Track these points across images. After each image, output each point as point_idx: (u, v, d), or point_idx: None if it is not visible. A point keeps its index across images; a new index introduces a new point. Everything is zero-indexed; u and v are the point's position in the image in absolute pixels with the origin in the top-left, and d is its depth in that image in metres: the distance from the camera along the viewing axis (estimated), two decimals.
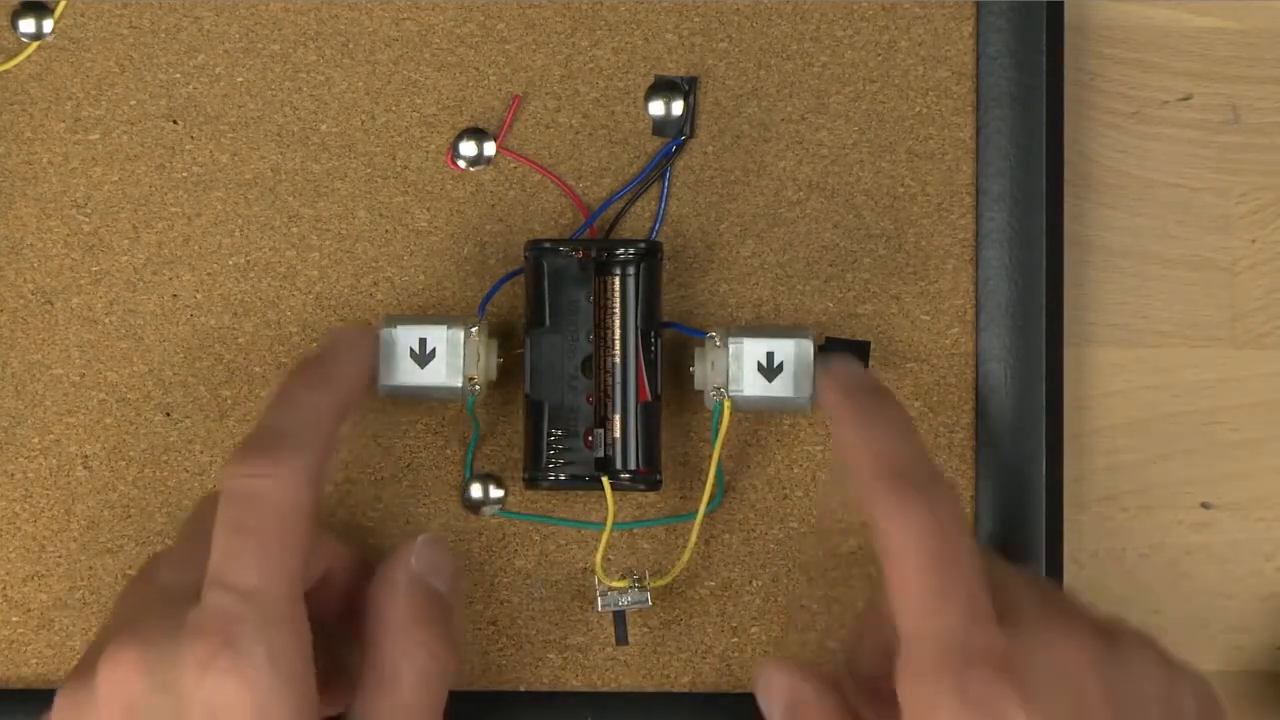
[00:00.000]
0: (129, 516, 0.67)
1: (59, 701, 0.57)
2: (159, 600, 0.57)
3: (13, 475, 0.67)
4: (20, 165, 0.68)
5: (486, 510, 0.67)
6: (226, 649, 0.54)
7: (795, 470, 0.68)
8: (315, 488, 0.58)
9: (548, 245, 0.66)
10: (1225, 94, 0.70)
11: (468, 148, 0.68)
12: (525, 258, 0.66)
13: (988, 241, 0.68)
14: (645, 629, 0.67)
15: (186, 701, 0.54)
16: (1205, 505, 0.70)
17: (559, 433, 0.65)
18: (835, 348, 0.66)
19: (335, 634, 0.60)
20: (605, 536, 0.65)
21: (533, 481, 0.66)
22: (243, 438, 0.59)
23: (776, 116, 0.68)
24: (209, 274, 0.68)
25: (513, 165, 0.68)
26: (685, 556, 0.66)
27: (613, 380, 0.65)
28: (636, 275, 0.65)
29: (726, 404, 0.65)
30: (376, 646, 0.59)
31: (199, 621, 0.55)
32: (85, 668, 0.56)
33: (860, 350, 0.66)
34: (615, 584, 0.66)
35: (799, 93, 0.68)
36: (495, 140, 0.68)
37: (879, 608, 0.58)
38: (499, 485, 0.67)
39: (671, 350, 0.67)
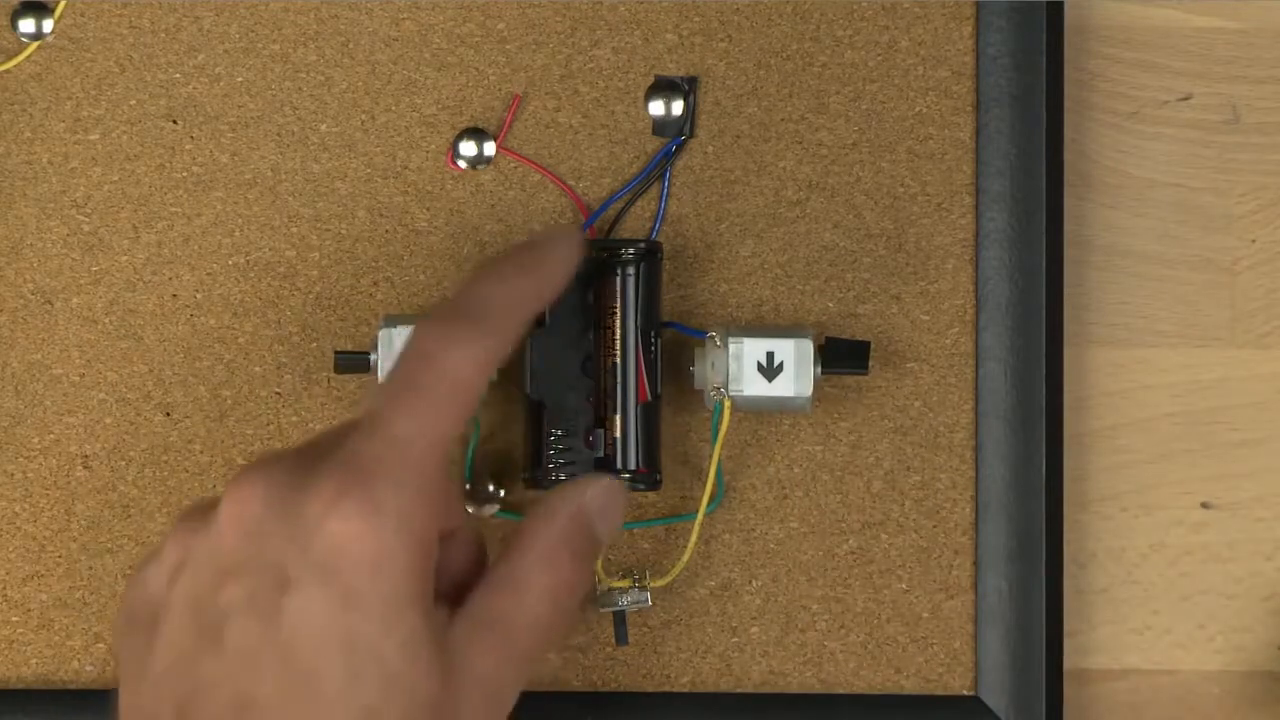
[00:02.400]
0: (129, 516, 0.67)
1: (176, 526, 0.55)
2: (307, 443, 0.55)
3: (13, 475, 0.67)
4: (20, 165, 0.68)
5: (486, 510, 0.67)
6: (361, 488, 0.52)
7: (795, 470, 0.68)
8: (490, 372, 0.55)
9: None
10: (1225, 94, 0.70)
11: (468, 148, 0.68)
12: None
13: (988, 241, 0.68)
14: (645, 629, 0.67)
15: (307, 533, 0.52)
16: (1205, 505, 0.70)
17: (559, 433, 0.65)
18: (835, 348, 0.66)
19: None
20: None
21: (533, 481, 0.66)
22: (437, 304, 0.57)
23: (776, 116, 0.68)
24: (209, 274, 0.68)
25: (513, 165, 0.68)
26: (685, 556, 0.66)
27: (613, 380, 0.65)
28: (636, 275, 0.65)
29: (726, 404, 0.65)
30: (515, 551, 0.56)
31: (340, 457, 0.53)
32: (211, 502, 0.55)
33: (860, 350, 0.66)
34: (615, 584, 0.66)
35: (799, 93, 0.68)
36: (495, 140, 0.68)
37: None
38: (499, 485, 0.67)
39: (671, 350, 0.67)
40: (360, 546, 0.52)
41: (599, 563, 0.66)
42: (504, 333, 0.56)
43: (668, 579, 0.67)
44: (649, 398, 0.65)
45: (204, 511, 0.55)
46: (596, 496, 0.58)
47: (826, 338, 0.66)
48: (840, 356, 0.66)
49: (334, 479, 0.53)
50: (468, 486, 0.67)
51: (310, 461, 0.54)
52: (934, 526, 0.68)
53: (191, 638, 0.53)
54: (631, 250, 0.65)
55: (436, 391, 0.54)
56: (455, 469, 0.65)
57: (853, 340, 0.66)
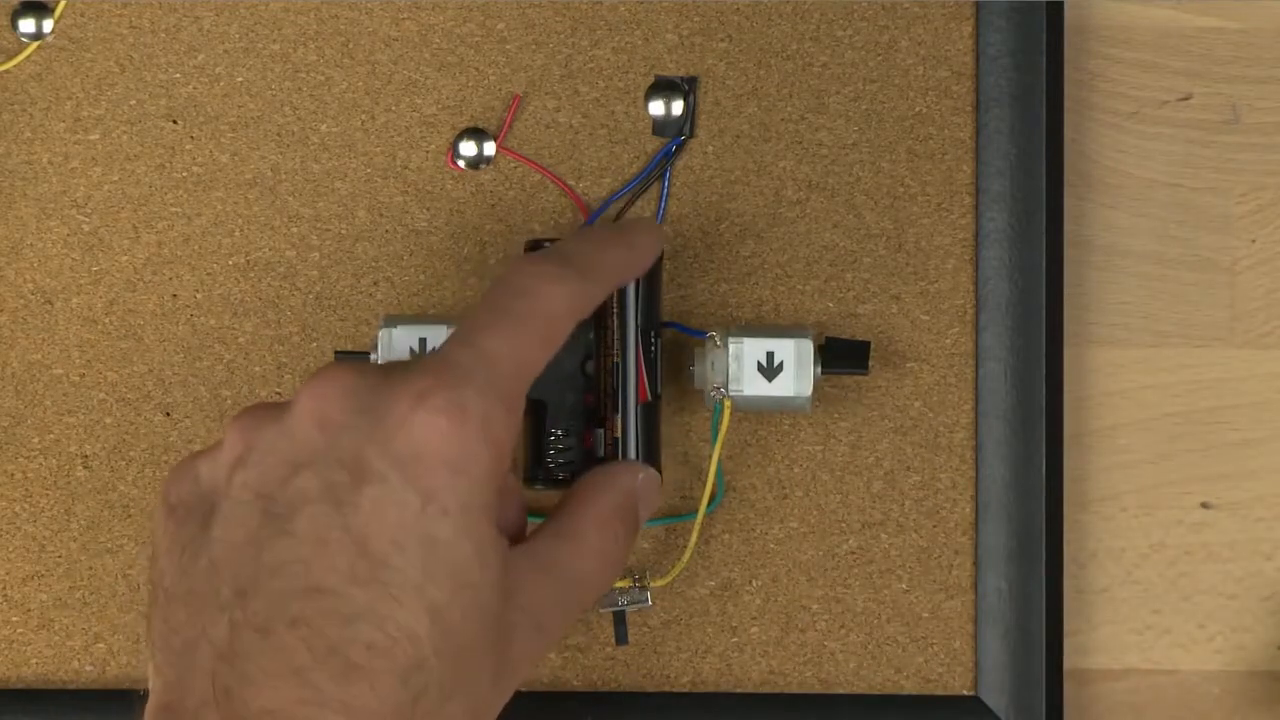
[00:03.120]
0: (129, 516, 0.67)
1: (236, 423, 0.55)
2: (377, 365, 0.56)
3: (13, 475, 0.67)
4: (20, 165, 0.68)
5: None
6: (450, 389, 0.53)
7: (795, 470, 0.68)
8: (580, 315, 0.57)
9: (548, 245, 0.66)
10: (1225, 94, 0.70)
11: (468, 148, 0.68)
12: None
13: (988, 241, 0.68)
14: (645, 629, 0.67)
15: (391, 428, 0.52)
16: (1205, 505, 0.70)
17: (559, 432, 0.65)
18: (835, 348, 0.66)
19: None
20: None
21: (533, 481, 0.66)
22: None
23: (776, 116, 0.68)
24: (209, 274, 0.68)
25: (513, 165, 0.68)
26: (685, 556, 0.66)
27: (613, 380, 0.65)
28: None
29: (726, 404, 0.65)
30: (575, 507, 0.59)
31: (429, 363, 0.54)
32: (279, 403, 0.55)
33: (860, 350, 0.66)
34: (616, 584, 0.66)
35: (799, 93, 0.68)
36: (495, 140, 0.68)
37: None
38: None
39: (671, 350, 0.67)
40: (445, 445, 0.52)
41: None
42: (598, 283, 0.58)
43: (668, 579, 0.67)
44: (649, 398, 0.65)
45: (272, 408, 0.55)
46: (645, 482, 0.61)
47: (826, 338, 0.66)
48: (840, 356, 0.66)
49: (423, 378, 0.53)
50: None
51: (395, 369, 0.54)
52: (934, 526, 0.68)
53: (257, 523, 0.53)
54: None
55: (529, 320, 0.56)
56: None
57: (853, 340, 0.66)
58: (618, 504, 0.60)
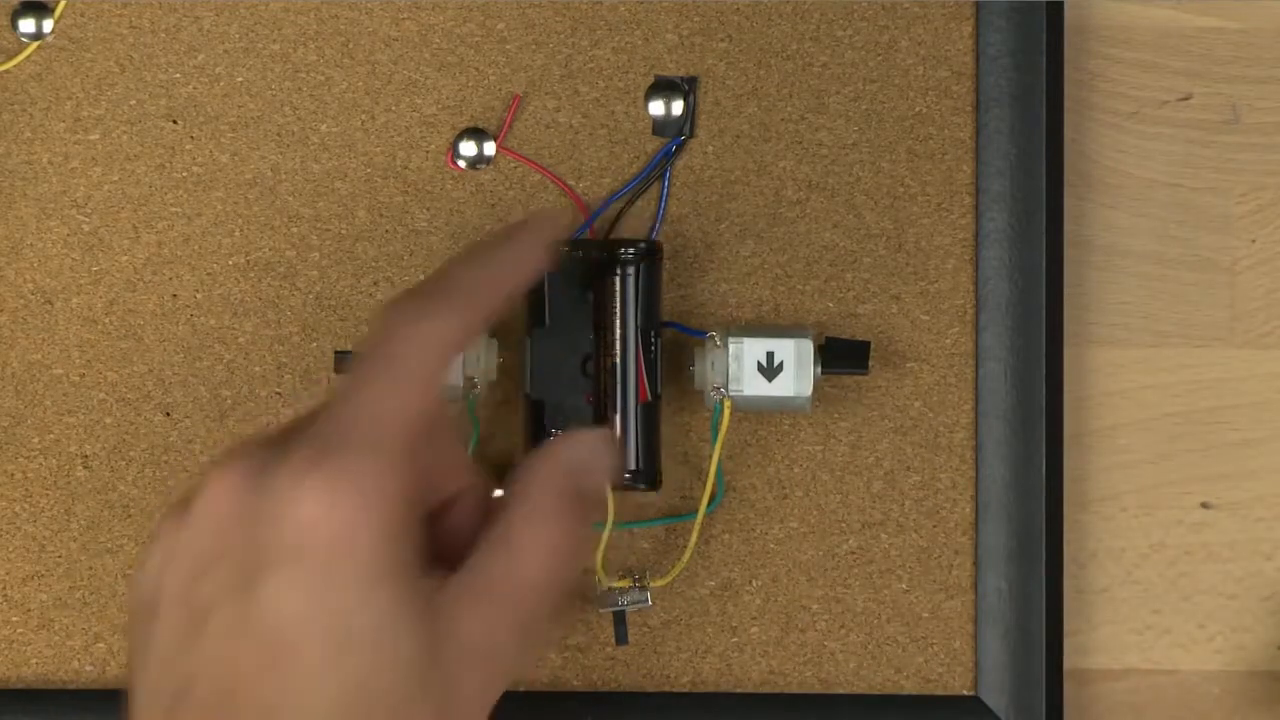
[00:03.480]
0: (129, 516, 0.67)
1: (162, 519, 0.55)
2: (271, 432, 0.56)
3: (13, 475, 0.67)
4: (20, 165, 0.68)
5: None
6: (327, 461, 0.52)
7: (795, 470, 0.68)
8: (455, 347, 0.55)
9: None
10: (1225, 94, 0.70)
11: (468, 148, 0.68)
12: None
13: (988, 241, 0.68)
14: (645, 629, 0.67)
15: (279, 515, 0.52)
16: (1205, 505, 0.70)
17: (559, 432, 0.65)
18: (835, 348, 0.66)
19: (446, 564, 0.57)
20: (605, 536, 0.65)
21: None
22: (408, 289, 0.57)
23: (776, 116, 0.68)
24: (209, 274, 0.68)
25: (513, 165, 0.68)
26: (685, 556, 0.66)
27: (613, 380, 0.65)
28: (636, 275, 0.65)
29: (726, 404, 0.65)
30: (508, 521, 0.55)
31: (308, 435, 0.53)
32: (193, 490, 0.55)
33: (860, 350, 0.66)
34: (616, 584, 0.66)
35: (799, 93, 0.68)
36: (495, 140, 0.68)
37: None
38: (499, 485, 0.67)
39: (671, 350, 0.67)
40: (329, 523, 0.52)
41: (600, 557, 0.66)
42: (470, 309, 0.56)
43: (668, 579, 0.67)
44: (649, 398, 0.65)
45: (185, 503, 0.55)
46: (581, 448, 0.57)
47: (826, 338, 0.66)
48: (840, 356, 0.66)
49: (301, 457, 0.53)
50: None
51: (282, 442, 0.54)
52: (934, 526, 0.68)
53: (181, 628, 0.53)
54: (631, 250, 0.65)
55: (401, 363, 0.54)
56: (457, 433, 0.64)
57: (852, 340, 0.66)
58: (558, 489, 0.56)
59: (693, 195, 0.68)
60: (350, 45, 0.68)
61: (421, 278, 0.68)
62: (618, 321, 0.65)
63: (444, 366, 0.55)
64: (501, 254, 0.58)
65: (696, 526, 0.66)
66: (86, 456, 0.67)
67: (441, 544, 0.57)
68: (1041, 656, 0.67)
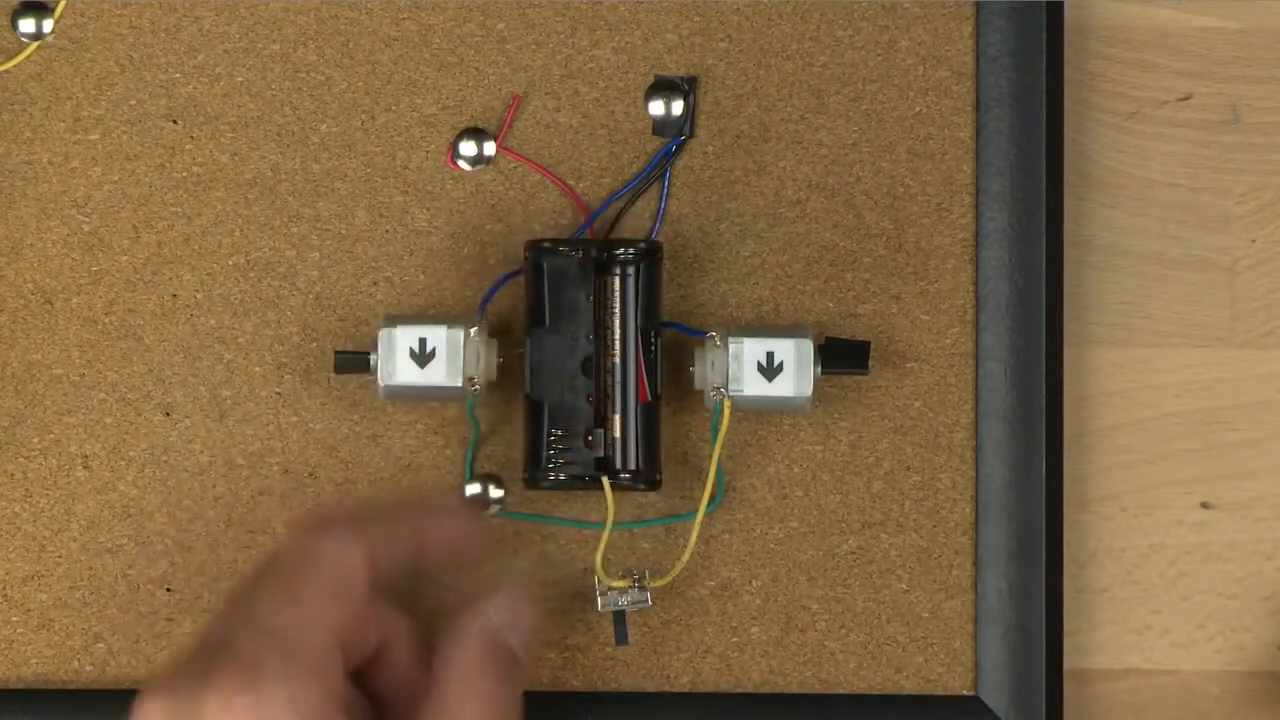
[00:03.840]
0: (129, 516, 0.67)
1: None
2: (195, 648, 0.58)
3: (13, 475, 0.67)
4: (20, 165, 0.68)
5: (487, 510, 0.67)
6: (248, 688, 0.54)
7: (795, 470, 0.68)
8: (367, 553, 0.58)
9: (548, 245, 0.66)
10: (1225, 94, 0.70)
11: (468, 148, 0.68)
12: (525, 258, 0.66)
13: (988, 241, 0.68)
14: (645, 629, 0.67)
15: None
16: (1205, 505, 0.70)
17: (559, 433, 0.65)
18: (835, 348, 0.66)
19: (393, 709, 0.61)
20: (605, 536, 0.65)
21: (533, 481, 0.66)
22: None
23: (776, 116, 0.68)
24: (209, 274, 0.68)
25: (513, 165, 0.68)
26: (685, 556, 0.66)
27: (613, 380, 0.65)
28: (636, 275, 0.65)
29: (726, 404, 0.65)
30: (439, 687, 0.59)
31: (226, 660, 0.55)
32: None
33: (860, 350, 0.66)
34: (616, 584, 0.66)
35: (799, 93, 0.68)
36: (495, 140, 0.68)
37: None
38: (499, 485, 0.67)
39: (671, 350, 0.67)
40: None
41: (600, 558, 0.66)
42: (379, 537, 0.59)
43: (667, 579, 0.67)
44: (649, 398, 0.65)
45: None
46: (500, 611, 0.60)
47: (826, 338, 0.66)
48: (840, 356, 0.66)
49: (222, 685, 0.55)
50: (467, 487, 0.67)
51: (201, 669, 0.56)
52: (934, 526, 0.68)
53: None
54: (631, 250, 0.65)
55: (311, 580, 0.57)
56: (379, 587, 0.61)
57: (852, 340, 0.66)
58: (476, 653, 0.59)
59: (693, 195, 0.68)
60: (350, 45, 0.68)
61: (421, 278, 0.68)
62: (618, 321, 0.65)
63: (355, 583, 0.58)
64: (426, 505, 0.62)
65: (696, 526, 0.66)
66: (86, 456, 0.67)
67: (382, 687, 0.60)
68: (1041, 656, 0.67)
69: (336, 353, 0.67)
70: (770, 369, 0.65)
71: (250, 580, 0.60)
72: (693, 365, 0.66)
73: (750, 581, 0.68)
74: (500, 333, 0.67)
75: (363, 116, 0.68)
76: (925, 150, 0.68)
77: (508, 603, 0.61)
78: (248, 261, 0.68)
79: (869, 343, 0.67)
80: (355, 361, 0.66)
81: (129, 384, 0.68)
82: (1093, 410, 0.70)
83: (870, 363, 0.67)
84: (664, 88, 0.68)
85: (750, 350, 0.65)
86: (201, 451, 0.67)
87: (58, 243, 0.68)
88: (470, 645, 0.60)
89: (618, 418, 0.65)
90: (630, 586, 0.66)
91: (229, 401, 0.68)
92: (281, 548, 0.59)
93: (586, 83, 0.68)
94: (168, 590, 0.67)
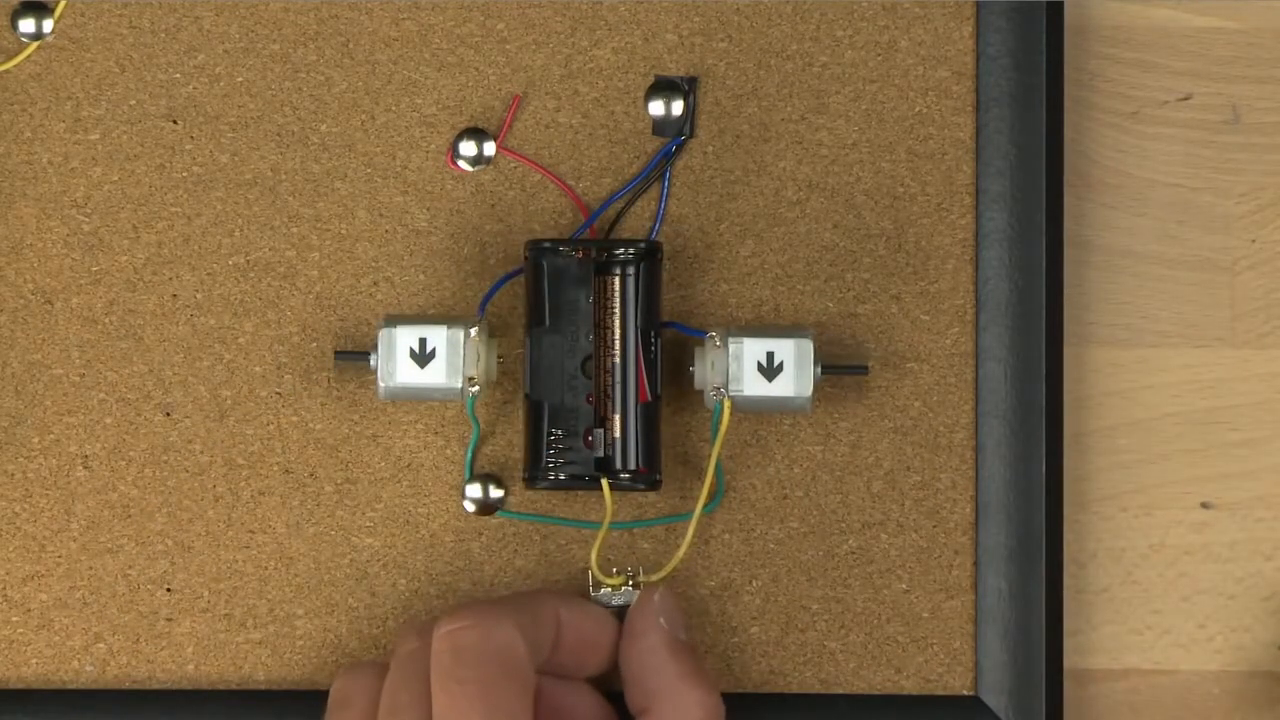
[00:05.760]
0: (129, 516, 0.67)
1: None
2: None
3: (13, 475, 0.67)
4: (20, 165, 0.68)
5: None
6: None
7: (795, 470, 0.68)
8: (526, 638, 0.60)
9: (548, 245, 0.66)
10: (1225, 94, 0.70)
11: (468, 148, 0.68)
12: (525, 258, 0.66)
13: (988, 241, 0.68)
14: None
15: None
16: (1205, 505, 0.70)
17: (559, 433, 0.65)
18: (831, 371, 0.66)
19: None
20: (601, 535, 0.65)
21: (533, 481, 0.66)
22: None
23: (776, 116, 0.68)
24: (209, 274, 0.68)
25: (513, 165, 0.68)
26: (681, 552, 0.66)
27: (613, 380, 0.65)
28: (636, 275, 0.66)
29: (726, 404, 0.65)
30: (657, 698, 0.62)
31: None
32: None
33: (858, 369, 0.67)
34: (610, 581, 0.66)
35: (799, 93, 0.68)
36: (495, 140, 0.68)
37: None
38: (499, 485, 0.67)
39: (671, 350, 0.67)
40: None
41: (595, 556, 0.66)
42: (528, 628, 0.61)
43: (662, 574, 0.67)
44: (649, 398, 0.65)
45: None
46: (665, 611, 0.64)
47: (823, 365, 0.66)
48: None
49: None
50: (467, 487, 0.67)
51: None
52: (934, 526, 0.68)
53: None
54: (631, 250, 0.65)
55: (483, 678, 0.59)
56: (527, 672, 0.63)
57: (849, 365, 0.67)
58: (678, 670, 0.62)
59: (693, 195, 0.68)
60: (350, 45, 0.68)
61: (421, 278, 0.68)
62: (618, 321, 0.65)
63: (526, 657, 0.60)
64: (561, 605, 0.63)
65: (693, 524, 0.66)
66: (86, 456, 0.67)
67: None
68: (1041, 656, 0.67)
69: (336, 353, 0.67)
70: (770, 369, 0.65)
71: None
72: (693, 365, 0.66)
73: (750, 581, 0.68)
74: (500, 333, 0.67)
75: (363, 116, 0.68)
76: (925, 150, 0.68)
77: (665, 602, 0.64)
78: (248, 261, 0.68)
79: (867, 366, 0.67)
80: (355, 361, 0.66)
81: (129, 384, 0.68)
82: (1093, 410, 0.70)
83: (870, 363, 0.67)
84: (664, 88, 0.68)
85: (750, 350, 0.65)
86: (201, 451, 0.67)
87: (58, 243, 0.68)
88: (666, 661, 0.62)
89: (618, 418, 0.65)
90: (625, 584, 0.66)
91: (229, 401, 0.68)
92: (436, 648, 0.59)
93: (586, 83, 0.68)
94: (168, 590, 0.67)
